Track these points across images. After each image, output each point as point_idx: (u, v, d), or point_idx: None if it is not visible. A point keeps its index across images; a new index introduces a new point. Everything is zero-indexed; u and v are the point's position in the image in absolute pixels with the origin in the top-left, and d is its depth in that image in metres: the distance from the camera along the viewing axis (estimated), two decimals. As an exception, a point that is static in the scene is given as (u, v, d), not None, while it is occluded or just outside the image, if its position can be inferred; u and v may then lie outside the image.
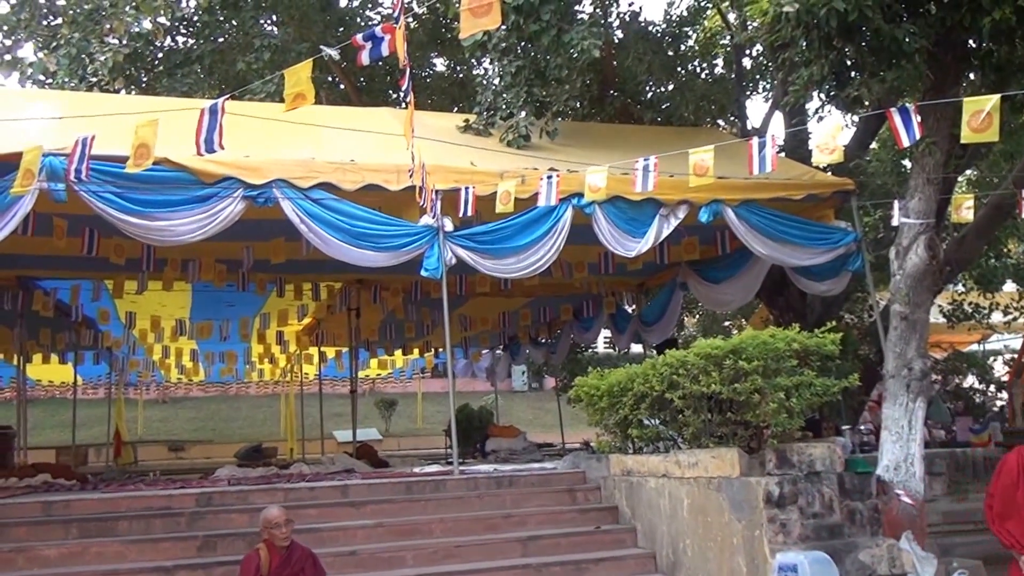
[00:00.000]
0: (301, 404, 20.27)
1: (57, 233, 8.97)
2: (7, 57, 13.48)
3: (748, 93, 15.71)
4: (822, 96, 9.41)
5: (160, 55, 14.66)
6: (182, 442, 23.63)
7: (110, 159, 7.60)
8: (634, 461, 7.91)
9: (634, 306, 14.85)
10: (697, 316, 23.88)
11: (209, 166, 7.99)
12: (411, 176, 8.54)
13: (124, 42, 12.69)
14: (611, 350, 23.99)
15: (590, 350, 22.08)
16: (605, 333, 17.74)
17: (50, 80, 12.86)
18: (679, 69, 14.60)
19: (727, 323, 23.89)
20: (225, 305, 13.79)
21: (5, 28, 13.60)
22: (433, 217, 8.76)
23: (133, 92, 14.07)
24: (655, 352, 11.72)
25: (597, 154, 9.78)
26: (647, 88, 14.34)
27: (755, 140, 8.14)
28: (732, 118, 15.71)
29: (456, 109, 15.34)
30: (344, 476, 9.55)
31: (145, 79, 14.47)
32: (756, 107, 71.11)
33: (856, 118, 12.31)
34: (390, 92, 16.23)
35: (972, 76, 9.23)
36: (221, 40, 14.64)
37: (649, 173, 8.42)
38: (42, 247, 9.28)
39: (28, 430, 15.40)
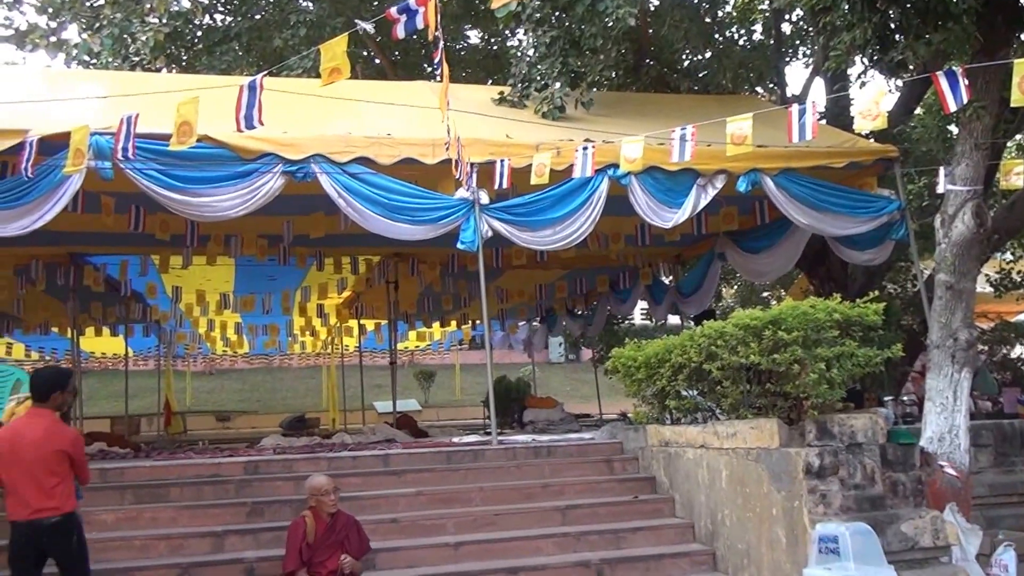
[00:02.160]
0: (342, 376, 20.55)
1: (105, 210, 9.16)
2: (53, 39, 13.70)
3: (787, 59, 15.48)
4: (865, 61, 9.27)
5: (199, 33, 14.81)
6: (228, 412, 24.10)
7: (154, 137, 7.76)
8: (672, 432, 7.94)
9: (671, 277, 14.79)
10: (735, 287, 23.74)
11: (249, 142, 8.10)
12: (447, 149, 8.58)
13: (164, 21, 12.84)
14: (648, 321, 23.98)
15: (626, 321, 22.07)
16: (642, 304, 17.74)
17: (94, 60, 13.06)
18: (716, 36, 14.44)
19: (766, 294, 23.71)
20: (267, 279, 13.99)
21: (50, 10, 13.81)
22: (469, 190, 8.80)
23: (174, 70, 14.25)
24: (692, 323, 11.72)
25: (633, 124, 9.73)
26: (683, 56, 14.21)
27: (795, 107, 8.03)
28: (771, 85, 15.52)
29: (491, 81, 15.33)
30: (385, 446, 9.71)
31: (185, 57, 14.64)
32: (796, 73, 69.86)
33: (900, 83, 12.09)
34: (425, 66, 16.25)
35: (1023, 37, 9.01)
36: (258, 17, 14.75)
37: (686, 143, 8.36)
38: (91, 224, 9.47)
39: (83, 400, 15.78)
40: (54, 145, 7.62)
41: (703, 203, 9.30)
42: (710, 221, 11.33)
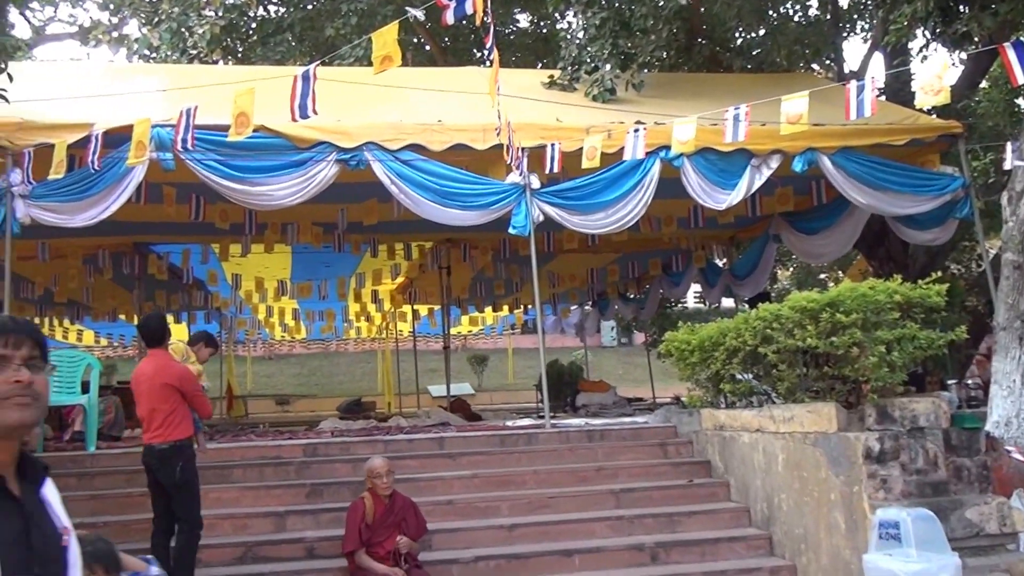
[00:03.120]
0: (397, 360, 20.77)
1: (167, 200, 9.37)
2: (114, 34, 14.02)
3: (845, 34, 15.15)
4: (927, 34, 9.03)
5: (254, 25, 15.02)
6: (288, 396, 24.53)
7: (212, 128, 7.92)
8: (727, 416, 7.90)
9: (725, 260, 14.65)
10: (791, 269, 23.42)
11: (303, 131, 8.22)
12: (497, 134, 8.60)
13: (220, 14, 13.06)
14: (701, 305, 23.79)
15: (679, 305, 21.91)
16: (695, 288, 17.57)
17: (154, 54, 13.34)
18: (770, 12, 14.19)
19: (823, 275, 23.36)
20: (323, 266, 14.18)
21: (112, 6, 14.13)
22: (520, 175, 8.81)
23: (230, 62, 14.48)
24: (747, 306, 11.60)
25: (685, 105, 9.64)
26: (736, 34, 14.02)
27: (853, 84, 7.86)
28: (827, 61, 15.22)
29: (540, 65, 15.30)
30: (440, 429, 9.82)
31: (240, 49, 14.86)
32: (854, 49, 68.13)
33: (964, 55, 11.75)
34: (475, 51, 16.27)
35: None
36: (310, 7, 14.91)
37: (739, 123, 8.26)
38: (154, 214, 9.69)
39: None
40: (118, 138, 7.85)
41: (757, 184, 9.19)
42: (765, 202, 11.19)
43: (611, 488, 7.69)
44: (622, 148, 8.67)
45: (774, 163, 9.16)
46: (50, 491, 1.86)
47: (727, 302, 17.35)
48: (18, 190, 8.01)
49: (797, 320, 6.53)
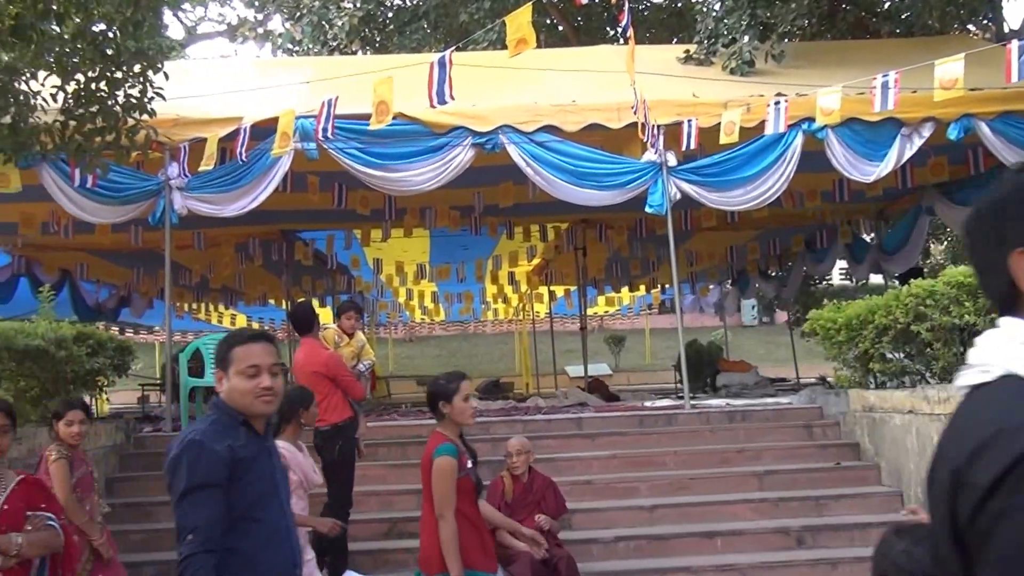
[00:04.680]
0: (534, 341, 20.93)
1: (311, 189, 9.74)
2: (260, 30, 14.65)
3: (1003, -7, 14.22)
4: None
5: (390, 14, 15.37)
6: (428, 377, 25.08)
7: (352, 117, 8.18)
8: (876, 396, 7.60)
9: (873, 234, 14.04)
10: (944, 243, 22.23)
11: (440, 117, 8.36)
12: (633, 112, 8.51)
13: (358, 6, 13.43)
14: (847, 281, 22.91)
15: (824, 282, 21.19)
16: (840, 264, 16.93)
17: (296, 48, 13.87)
18: (921, -27, 13.44)
19: (981, 248, 22.01)
20: (460, 248, 14.42)
21: (257, 4, 14.76)
22: (656, 152, 8.70)
23: (368, 52, 14.87)
24: (897, 282, 11.11)
25: (829, 74, 9.27)
26: (884, -2, 13.34)
27: (1014, 44, 7.35)
28: (985, 22, 14.32)
29: (675, 40, 15.03)
30: (578, 409, 9.85)
31: (378, 39, 15.25)
32: (1015, 8, 63.66)
33: None
34: (607, 29, 16.13)
35: None
36: (444, -6, 15.11)
37: (888, 90, 7.88)
38: (299, 202, 10.06)
39: (296, 367, 16.90)
40: (264, 130, 8.22)
41: (908, 154, 8.75)
42: (916, 173, 10.63)
43: (754, 470, 7.55)
44: (762, 122, 8.44)
45: (926, 132, 8.70)
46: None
47: (875, 278, 16.63)
48: (175, 183, 8.52)
49: (953, 296, 6.23)
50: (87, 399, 8.79)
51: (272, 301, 17.79)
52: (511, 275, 17.36)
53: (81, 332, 7.30)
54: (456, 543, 4.00)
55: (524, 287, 18.87)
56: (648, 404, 10.43)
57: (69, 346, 6.92)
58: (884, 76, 7.91)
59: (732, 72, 9.88)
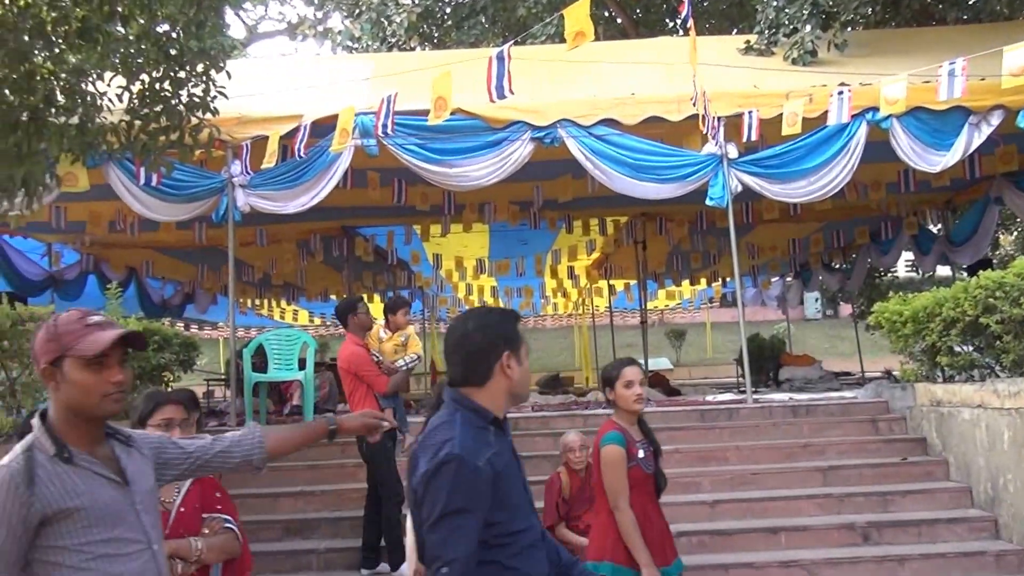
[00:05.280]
0: (594, 335, 20.91)
1: (371, 185, 9.86)
2: (319, 28, 14.86)
3: (1078, -26, 13.73)
4: None
5: (448, 10, 15.45)
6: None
7: (411, 113, 8.25)
8: (944, 390, 7.44)
9: (939, 225, 13.71)
10: (1015, 233, 21.61)
11: (498, 111, 8.39)
12: (693, 104, 8.45)
13: (416, 2, 13.54)
14: (913, 273, 22.42)
15: (889, 274, 20.77)
16: (906, 256, 16.57)
17: (356, 45, 14.03)
18: (990, -43, 13.07)
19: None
20: (520, 243, 14.47)
21: (316, 1, 14.98)
22: (716, 145, 8.63)
23: (427, 48, 14.99)
24: (966, 274, 10.85)
25: (893, 63, 9.08)
26: (951, -17, 12.99)
27: (1085, 30, 7.16)
28: (1057, 6, 13.83)
29: (735, 31, 14.84)
30: (639, 404, 9.80)
31: (436, 34, 15.35)
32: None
33: None
34: (666, 21, 16.00)
35: None
36: (501, -12, 15.14)
37: (955, 78, 7.69)
38: (360, 198, 10.19)
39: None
40: (324, 128, 8.34)
41: (976, 143, 8.53)
42: (984, 162, 10.35)
43: (818, 465, 7.46)
44: (825, 112, 8.31)
45: (995, 120, 8.47)
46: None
47: (942, 270, 16.25)
48: (238, 180, 8.70)
49: (1024, 288, 6.07)
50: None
51: (333, 296, 18.05)
52: (570, 269, 17.35)
53: (147, 328, 7.48)
54: (636, 532, 3.90)
55: (584, 281, 18.85)
56: (710, 398, 10.36)
57: None
58: (951, 63, 7.73)
59: (794, 62, 9.73)
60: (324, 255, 13.29)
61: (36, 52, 5.57)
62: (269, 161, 8.41)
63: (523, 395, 2.63)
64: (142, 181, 8.45)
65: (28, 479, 2.05)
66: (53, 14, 5.23)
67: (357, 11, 14.13)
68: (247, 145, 8.56)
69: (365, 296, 17.48)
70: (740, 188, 8.71)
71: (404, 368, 7.19)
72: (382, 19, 13.55)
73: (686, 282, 19.08)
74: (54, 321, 2.28)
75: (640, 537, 3.89)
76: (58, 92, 5.81)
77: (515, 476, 2.49)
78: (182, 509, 3.28)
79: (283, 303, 19.46)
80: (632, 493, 3.99)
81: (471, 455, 2.33)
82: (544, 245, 15.23)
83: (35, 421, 2.20)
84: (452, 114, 8.08)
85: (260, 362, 9.32)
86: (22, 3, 5.16)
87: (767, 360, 14.87)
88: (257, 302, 18.56)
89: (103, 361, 2.20)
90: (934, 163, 8.60)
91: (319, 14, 15.72)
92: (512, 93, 7.40)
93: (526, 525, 2.47)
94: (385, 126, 8.14)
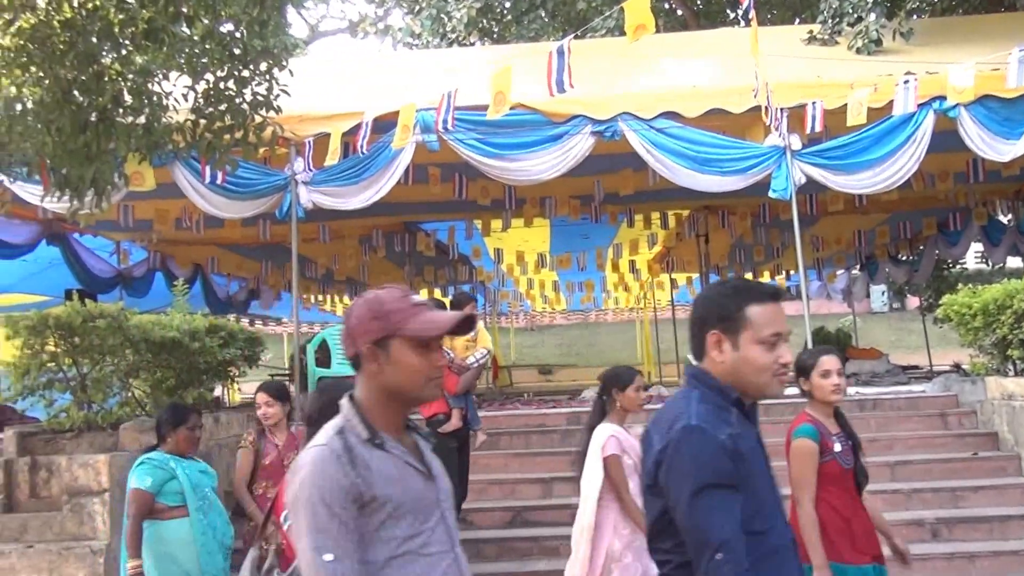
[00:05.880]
0: (656, 329, 20.80)
1: (432, 180, 9.95)
2: (380, 25, 15.04)
3: None
4: None
5: (508, 5, 15.50)
6: (550, 366, 25.21)
7: (471, 108, 8.31)
8: (1016, 384, 7.28)
9: (1010, 216, 13.34)
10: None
11: (559, 106, 8.41)
12: (755, 96, 8.37)
13: (476, -4, 13.61)
14: (983, 265, 21.80)
15: (958, 266, 20.27)
16: (975, 247, 16.16)
17: (416, 42, 14.16)
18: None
19: None
20: (580, 237, 14.46)
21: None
22: (779, 136, 8.54)
23: (486, 43, 15.06)
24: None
25: (960, 51, 8.87)
26: (1024, -33, 12.62)
27: None
28: None
29: (798, 21, 14.63)
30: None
31: (496, 29, 15.41)
32: None
33: None
34: (727, 12, 15.83)
35: None
36: (562, -19, 15.15)
37: (1025, 65, 7.52)
38: (421, 194, 10.28)
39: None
40: (386, 124, 8.45)
41: (1048, 131, 8.31)
42: (1057, 151, 10.06)
43: (886, 460, 7.35)
44: (890, 102, 8.17)
45: (1068, 107, 8.24)
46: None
47: (1013, 261, 15.80)
48: (301, 177, 8.85)
49: (1100, 279, 5.91)
50: (219, 389, 9.11)
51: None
52: (632, 263, 17.29)
53: (213, 324, 7.51)
54: (814, 530, 3.72)
55: (645, 275, 18.76)
56: (788, 392, 10.25)
57: (202, 338, 7.10)
58: (1020, 50, 7.55)
59: (858, 51, 9.57)
60: (386, 250, 13.44)
61: (104, 54, 5.68)
62: (331, 158, 8.55)
63: (757, 384, 2.27)
64: (207, 179, 8.61)
65: (351, 458, 1.94)
66: (120, 16, 5.31)
67: (417, 7, 14.28)
68: (310, 142, 8.71)
69: (427, 291, 17.73)
70: (804, 180, 8.60)
71: (475, 365, 6.99)
72: (442, 15, 13.67)
73: (749, 275, 18.85)
74: (376, 299, 2.11)
75: (816, 536, 3.72)
76: (126, 93, 5.91)
77: (761, 467, 2.24)
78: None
79: (346, 298, 19.70)
80: (832, 489, 3.82)
81: (711, 426, 2.11)
82: (605, 239, 15.20)
83: (344, 403, 2.09)
84: (512, 109, 8.13)
85: (324, 357, 9.43)
86: (91, 6, 5.29)
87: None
88: (320, 298, 18.84)
89: (429, 344, 2.08)
90: (1003, 152, 8.39)
91: (380, 11, 15.93)
92: (572, 87, 7.42)
93: (768, 526, 2.16)
94: (446, 121, 8.23)
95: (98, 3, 5.27)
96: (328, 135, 8.58)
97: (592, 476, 4.56)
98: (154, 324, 6.79)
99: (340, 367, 9.40)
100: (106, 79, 5.71)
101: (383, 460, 1.99)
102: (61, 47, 5.38)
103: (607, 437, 4.59)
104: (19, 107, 5.75)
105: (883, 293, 30.86)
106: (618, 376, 4.48)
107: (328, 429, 2.03)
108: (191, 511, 4.77)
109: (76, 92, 5.68)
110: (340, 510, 1.89)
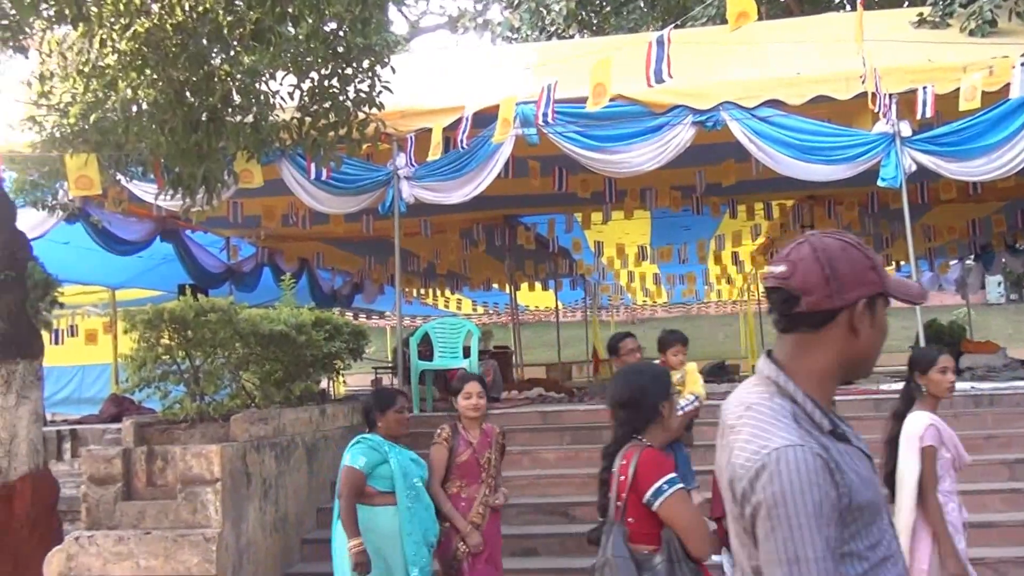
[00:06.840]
0: (759, 322, 20.41)
1: (532, 174, 10.00)
2: (479, 20, 15.20)
3: None
4: None
5: (607, -4, 15.44)
6: (652, 360, 25.02)
7: (571, 100, 8.33)
8: None
9: None
10: None
11: (659, 96, 8.34)
12: (862, 82, 8.13)
13: (580, -11, 13.61)
14: (1106, 254, 20.62)
15: (1080, 255, 19.27)
16: (1102, 236, 15.32)
17: (515, 35, 14.26)
18: None
19: None
20: (682, 229, 14.30)
21: (475, -5, 15.30)
22: (888, 123, 8.27)
23: (585, 35, 15.04)
24: None
25: (1086, 29, 8.44)
26: None
27: None
28: None
29: (907, 3, 14.12)
30: (806, 392, 9.54)
31: (595, 21, 15.37)
32: None
33: None
34: (833, -5, 15.40)
35: None
36: (661, -28, 15.00)
37: None
38: (521, 187, 10.33)
39: (521, 349, 17.45)
40: (486, 118, 8.54)
41: None
42: None
43: (1004, 458, 7.07)
44: (1007, 85, 7.83)
45: None
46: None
47: None
48: (403, 172, 9.02)
49: None
50: (325, 382, 9.27)
51: (496, 285, 18.39)
52: (735, 255, 17.01)
53: (319, 318, 7.62)
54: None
55: (749, 267, 18.44)
56: (883, 387, 9.95)
57: (308, 331, 7.20)
58: None
59: (971, 33, 9.17)
60: (487, 244, 13.56)
61: (214, 55, 5.89)
62: (433, 153, 8.68)
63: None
64: (313, 175, 8.83)
65: (834, 461, 1.56)
66: (229, 18, 5.51)
67: (516, 2, 14.37)
68: (411, 138, 8.87)
69: (527, 285, 17.82)
70: (914, 167, 8.32)
71: (679, 413, 5.76)
72: (541, 8, 13.72)
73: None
74: (857, 245, 1.72)
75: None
76: (234, 92, 6.11)
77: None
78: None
79: (447, 292, 19.98)
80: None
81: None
82: (707, 231, 14.99)
83: (781, 379, 1.68)
84: (612, 100, 8.11)
85: (426, 350, 9.55)
86: (201, 9, 5.50)
87: (946, 347, 14.10)
88: (422, 291, 19.15)
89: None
90: None
91: (479, 6, 16.10)
92: (671, 77, 7.36)
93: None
94: (546, 115, 8.26)
95: (208, 5, 5.48)
96: (429, 130, 8.71)
97: (909, 468, 4.26)
98: (262, 318, 6.94)
99: (442, 359, 9.55)
100: (216, 80, 5.91)
101: (852, 457, 1.62)
102: (174, 50, 5.60)
103: (926, 426, 4.28)
104: (135, 109, 6.02)
105: (999, 284, 29.63)
106: (917, 357, 4.30)
107: (778, 418, 1.61)
108: (399, 498, 4.68)
109: (188, 93, 5.90)
110: (828, 530, 1.52)
